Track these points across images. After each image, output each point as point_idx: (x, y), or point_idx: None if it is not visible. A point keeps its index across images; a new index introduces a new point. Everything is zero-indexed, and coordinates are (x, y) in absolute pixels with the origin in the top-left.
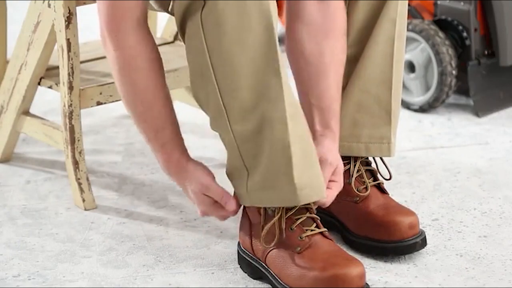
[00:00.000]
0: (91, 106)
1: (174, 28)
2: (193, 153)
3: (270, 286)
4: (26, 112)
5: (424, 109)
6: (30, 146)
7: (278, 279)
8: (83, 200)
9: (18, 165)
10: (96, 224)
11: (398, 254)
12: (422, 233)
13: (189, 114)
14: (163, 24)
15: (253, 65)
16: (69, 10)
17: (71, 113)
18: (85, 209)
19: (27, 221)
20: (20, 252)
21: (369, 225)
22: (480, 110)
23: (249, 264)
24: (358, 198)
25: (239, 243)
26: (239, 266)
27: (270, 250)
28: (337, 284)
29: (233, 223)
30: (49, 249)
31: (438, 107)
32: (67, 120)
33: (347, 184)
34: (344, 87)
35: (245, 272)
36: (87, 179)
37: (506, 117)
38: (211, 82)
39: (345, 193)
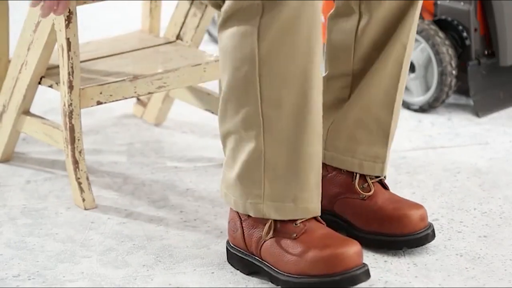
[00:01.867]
0: (91, 106)
1: (176, 28)
2: (193, 153)
3: (270, 282)
4: (27, 112)
5: (424, 109)
6: (30, 145)
7: (275, 268)
8: (83, 200)
9: (18, 165)
10: (96, 224)
11: (411, 246)
12: (431, 225)
13: (189, 114)
14: (165, 24)
15: (300, 77)
16: (69, 10)
17: (71, 112)
18: (85, 209)
19: (27, 221)
20: (20, 252)
21: (379, 220)
22: (480, 110)
23: (241, 260)
24: (365, 196)
25: (228, 241)
26: (229, 263)
27: (264, 242)
28: (335, 262)
29: None
30: (49, 249)
31: (438, 107)
32: (67, 120)
33: (351, 183)
34: (346, 99)
35: (237, 269)
36: (87, 178)
37: (506, 117)
38: (254, 91)
39: (350, 191)
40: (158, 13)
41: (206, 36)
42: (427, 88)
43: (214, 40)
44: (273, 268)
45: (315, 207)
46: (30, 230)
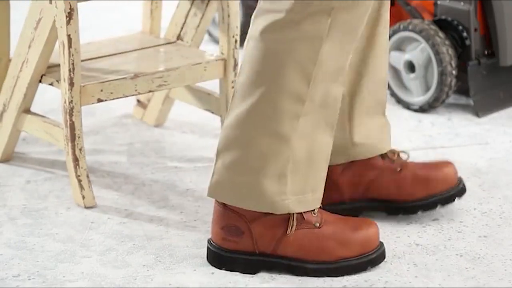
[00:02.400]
0: (92, 103)
1: (177, 28)
2: (193, 153)
3: (291, 275)
4: (27, 110)
5: (424, 109)
6: (31, 145)
7: (304, 259)
8: (83, 197)
9: (18, 165)
10: (96, 224)
11: (461, 195)
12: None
13: (189, 113)
14: (166, 24)
15: (338, 73)
16: (70, 6)
17: (71, 109)
18: (85, 206)
19: (27, 221)
20: (20, 252)
21: (422, 185)
22: (480, 110)
23: (247, 262)
24: (400, 168)
25: (218, 248)
26: (218, 268)
27: (283, 239)
28: (368, 242)
29: None
30: (49, 249)
31: (438, 107)
32: (68, 117)
33: (382, 163)
34: (354, 95)
35: (236, 271)
36: (87, 176)
37: (506, 117)
38: (303, 91)
39: (383, 171)
40: (158, 14)
41: (206, 36)
42: (427, 88)
43: (214, 40)
44: (300, 259)
45: (322, 195)
46: (30, 230)
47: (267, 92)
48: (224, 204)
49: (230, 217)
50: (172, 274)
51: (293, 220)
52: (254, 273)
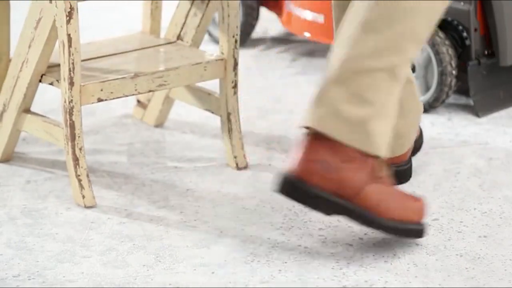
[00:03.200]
0: (92, 103)
1: (177, 28)
2: (193, 153)
3: (363, 225)
4: (27, 110)
5: (424, 109)
6: (31, 145)
7: (376, 213)
8: (83, 197)
9: (18, 165)
10: (96, 224)
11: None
12: None
13: (189, 113)
14: (166, 25)
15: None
16: (70, 6)
17: (71, 109)
18: (85, 206)
19: (27, 221)
20: (20, 252)
21: None
22: (480, 110)
23: (326, 201)
24: None
25: (305, 182)
26: (297, 201)
27: (366, 187)
28: (423, 212)
29: (233, 223)
30: (49, 249)
31: (438, 107)
32: (68, 116)
33: None
34: None
35: (311, 207)
36: (87, 175)
37: (506, 117)
38: (427, 36)
39: None
40: (158, 14)
41: (206, 36)
42: (427, 88)
43: (214, 40)
44: (373, 212)
45: None
46: (30, 230)
47: (400, 29)
48: (321, 139)
49: (324, 153)
50: (172, 274)
51: (381, 164)
52: (328, 214)
